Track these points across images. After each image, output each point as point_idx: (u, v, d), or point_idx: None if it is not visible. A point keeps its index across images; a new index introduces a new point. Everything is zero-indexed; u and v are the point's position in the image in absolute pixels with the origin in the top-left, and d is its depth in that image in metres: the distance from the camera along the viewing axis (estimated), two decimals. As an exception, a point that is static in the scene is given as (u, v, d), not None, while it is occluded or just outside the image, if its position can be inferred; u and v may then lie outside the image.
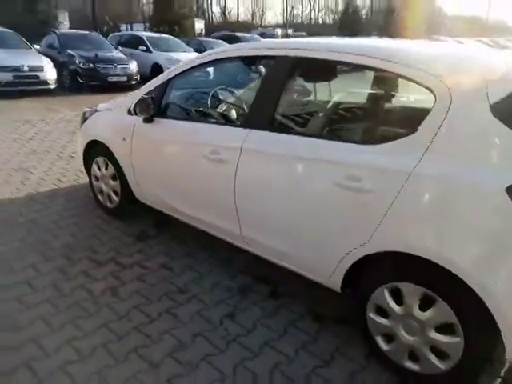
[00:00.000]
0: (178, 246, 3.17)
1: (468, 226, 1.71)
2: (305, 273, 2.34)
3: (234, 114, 2.68)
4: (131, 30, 25.90)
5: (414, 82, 1.89)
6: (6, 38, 10.73)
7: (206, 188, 2.69)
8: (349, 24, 34.40)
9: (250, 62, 2.50)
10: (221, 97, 2.86)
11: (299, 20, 66.26)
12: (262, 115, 2.37)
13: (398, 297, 1.94)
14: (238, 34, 20.14)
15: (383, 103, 2.02)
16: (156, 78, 3.05)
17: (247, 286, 2.71)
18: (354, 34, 23.91)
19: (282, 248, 2.36)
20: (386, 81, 2.00)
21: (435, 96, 1.81)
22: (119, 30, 23.78)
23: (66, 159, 5.20)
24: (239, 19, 63.61)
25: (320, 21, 67.32)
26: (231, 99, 2.75)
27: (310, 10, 68.90)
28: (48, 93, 9.88)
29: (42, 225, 3.45)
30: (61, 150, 5.63)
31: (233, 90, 2.81)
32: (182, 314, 2.43)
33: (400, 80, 1.91)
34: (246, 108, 2.52)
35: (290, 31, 41.88)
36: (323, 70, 2.32)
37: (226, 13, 63.92)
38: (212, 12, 63.22)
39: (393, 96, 2.00)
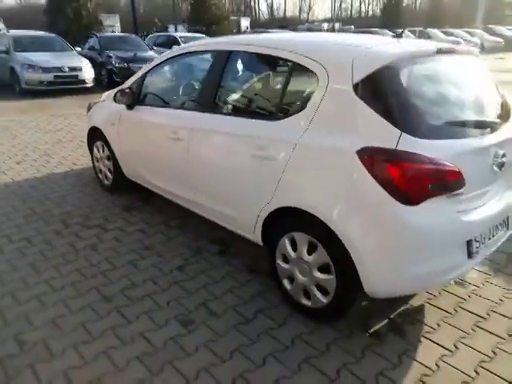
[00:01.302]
0: (156, 216, 3.75)
1: (332, 182, 2.14)
2: (238, 231, 2.82)
3: (190, 99, 3.19)
4: (176, 30, 27.15)
5: (305, 67, 2.32)
6: (50, 42, 11.93)
7: (170, 163, 3.24)
8: (391, 16, 33.73)
9: (205, 55, 3.02)
10: (183, 86, 3.39)
11: (348, 14, 65.56)
12: (206, 100, 2.89)
13: (294, 245, 2.38)
14: (276, 30, 20.57)
15: (286, 86, 2.44)
16: (137, 72, 3.65)
17: (203, 247, 3.23)
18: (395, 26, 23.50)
19: (221, 210, 2.86)
20: (289, 68, 2.43)
21: (318, 79, 2.24)
22: (167, 31, 24.99)
23: (85, 147, 5.93)
24: (286, 15, 63.98)
25: (370, 13, 66.29)
26: (190, 88, 3.26)
27: (360, 3, 67.82)
28: (86, 91, 10.93)
29: (51, 198, 4.16)
30: (83, 139, 6.38)
31: (193, 79, 3.32)
32: (142, 264, 2.99)
33: (299, 66, 2.35)
34: (197, 95, 3.04)
35: (337, 25, 41.78)
36: (249, 60, 2.79)
37: (274, 9, 64.47)
38: (259, 9, 63.97)
39: (293, 80, 2.43)
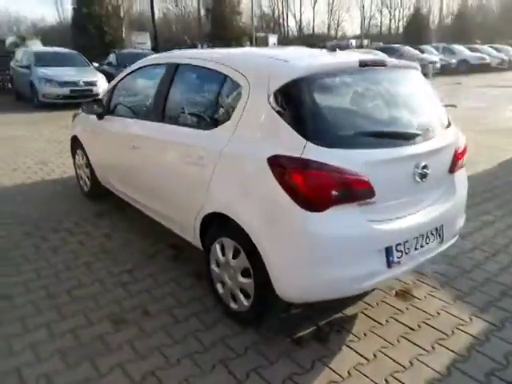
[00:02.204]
0: (123, 222, 3.91)
1: (248, 189, 2.22)
2: (184, 236, 2.92)
3: (146, 110, 3.35)
4: (202, 47, 27.96)
5: (233, 79, 2.44)
6: (70, 57, 12.53)
7: (131, 170, 3.40)
8: (415, 32, 33.57)
9: (160, 68, 3.18)
10: (141, 97, 3.55)
11: (378, 30, 65.52)
12: (156, 110, 3.04)
13: (224, 250, 2.46)
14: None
15: (218, 97, 2.56)
16: (109, 84, 3.85)
17: (159, 251, 3.35)
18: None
19: (168, 214, 2.98)
20: (221, 80, 2.55)
21: (242, 90, 2.35)
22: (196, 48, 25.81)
23: (81, 157, 6.23)
24: (315, 32, 64.59)
25: (400, 30, 66.11)
26: (146, 99, 3.40)
27: (390, 20, 67.68)
28: (100, 104, 11.37)
29: (33, 202, 4.40)
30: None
31: (150, 91, 3.48)
32: (95, 267, 3.14)
33: (228, 78, 2.47)
34: (151, 105, 3.20)
35: (365, 42, 41.94)
36: (191, 73, 2.92)
37: (302, 26, 65.15)
38: (288, 26, 64.76)
39: (223, 91, 2.54)
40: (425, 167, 2.28)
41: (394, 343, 2.35)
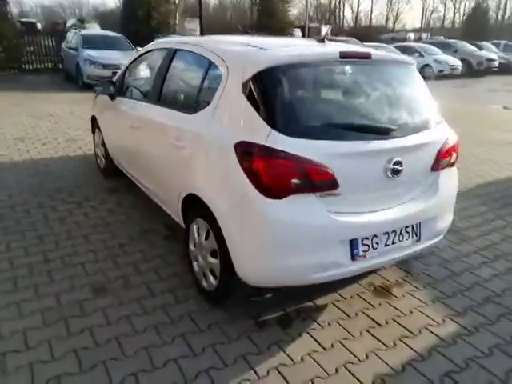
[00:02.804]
0: (129, 199, 4.11)
1: (217, 173, 2.31)
2: (173, 216, 3.06)
3: (148, 92, 3.48)
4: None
5: (216, 65, 2.51)
6: (115, 41, 13.01)
7: (133, 150, 3.57)
8: (474, 27, 31.85)
9: (161, 53, 3.32)
10: (145, 79, 3.69)
11: (441, 24, 62.70)
12: (155, 92, 3.18)
13: (199, 231, 2.57)
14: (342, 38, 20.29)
15: (203, 82, 2.65)
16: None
17: (154, 229, 3.51)
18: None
19: (159, 193, 3.13)
20: (207, 65, 2.63)
21: (222, 76, 2.43)
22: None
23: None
24: (372, 24, 62.76)
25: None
26: (149, 81, 3.53)
27: (454, 14, 64.50)
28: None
29: (52, 175, 4.70)
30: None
31: (152, 74, 3.60)
32: (93, 238, 3.34)
33: (213, 65, 2.55)
34: (151, 87, 3.34)
35: (424, 35, 40.43)
36: (185, 58, 3.00)
37: (359, 18, 63.43)
38: (344, 17, 63.30)
39: (208, 77, 2.61)
40: (398, 163, 2.26)
41: (356, 336, 2.38)
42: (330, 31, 40.69)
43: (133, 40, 13.84)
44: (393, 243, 2.40)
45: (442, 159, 2.53)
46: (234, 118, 2.28)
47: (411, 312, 2.59)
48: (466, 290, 2.84)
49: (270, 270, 2.17)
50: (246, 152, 2.11)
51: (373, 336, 2.38)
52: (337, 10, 62.10)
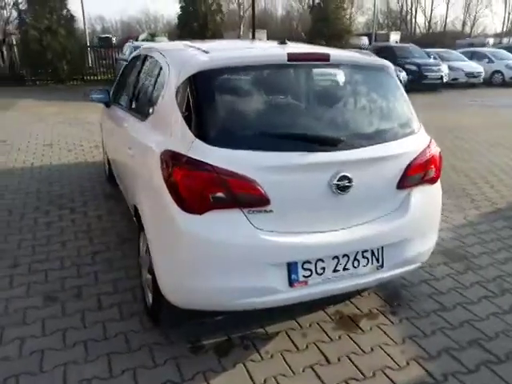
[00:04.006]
0: (122, 207, 4.03)
1: (147, 183, 2.18)
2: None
3: (124, 99, 3.44)
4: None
5: (164, 70, 2.39)
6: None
7: (113, 155, 3.58)
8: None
9: (137, 59, 3.27)
10: (125, 87, 3.64)
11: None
12: (127, 100, 3.14)
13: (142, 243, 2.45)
14: (400, 45, 19.44)
15: (154, 87, 2.53)
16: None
17: (133, 240, 3.43)
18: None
19: (128, 191, 3.04)
20: (159, 71, 2.52)
21: (165, 81, 2.30)
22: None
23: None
24: (446, 29, 59.78)
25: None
26: (127, 89, 3.49)
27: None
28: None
29: (62, 180, 4.86)
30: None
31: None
32: (69, 245, 3.35)
33: (162, 70, 2.43)
34: (127, 94, 3.30)
35: (505, 40, 37.93)
36: (149, 63, 2.89)
37: (432, 23, 60.69)
38: (416, 22, 60.91)
39: (158, 82, 2.49)
40: (344, 178, 1.99)
41: (296, 372, 2.11)
42: (398, 38, 39.35)
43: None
44: (345, 269, 2.11)
45: (412, 175, 2.21)
46: (166, 125, 2.15)
47: (372, 350, 2.27)
48: (451, 328, 2.45)
49: (190, 291, 1.99)
50: (167, 162, 1.97)
51: (316, 375, 2.10)
52: (408, 16, 59.93)
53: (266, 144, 1.93)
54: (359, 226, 2.13)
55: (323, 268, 2.07)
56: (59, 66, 15.30)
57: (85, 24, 24.98)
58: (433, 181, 2.34)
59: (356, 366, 2.15)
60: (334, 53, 2.23)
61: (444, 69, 15.44)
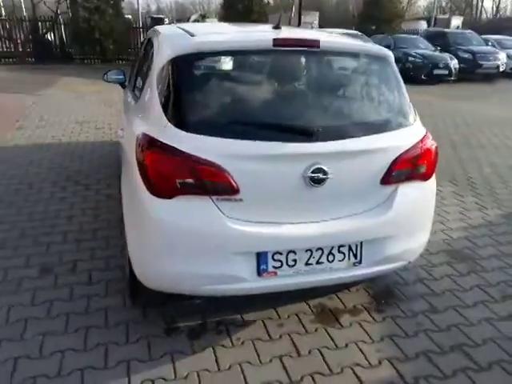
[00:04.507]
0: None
1: (126, 164, 2.20)
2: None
3: (131, 81, 3.46)
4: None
5: (155, 51, 2.39)
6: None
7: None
8: None
9: (145, 42, 3.27)
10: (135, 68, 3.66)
11: None
12: (132, 81, 3.17)
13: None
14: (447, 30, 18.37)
15: (147, 70, 2.53)
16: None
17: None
18: None
19: None
20: (153, 51, 2.51)
21: (153, 63, 2.30)
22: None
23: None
24: (516, 14, 55.69)
25: None
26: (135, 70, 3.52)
27: None
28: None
29: (84, 157, 5.05)
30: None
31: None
32: (75, 220, 3.48)
33: (155, 49, 2.42)
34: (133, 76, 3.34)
35: None
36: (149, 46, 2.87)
37: (501, 7, 56.66)
38: (482, 6, 57.19)
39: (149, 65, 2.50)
40: (319, 171, 1.93)
41: (264, 362, 2.11)
42: (460, 23, 37.19)
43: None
44: (318, 263, 2.07)
45: (398, 170, 2.11)
46: (147, 108, 2.16)
47: (346, 346, 2.22)
48: (436, 331, 2.35)
49: (159, 274, 2.02)
50: (141, 146, 1.98)
51: (282, 366, 2.09)
52: (474, 0, 56.31)
53: (238, 132, 1.90)
54: (336, 220, 2.06)
55: (295, 260, 2.03)
56: (106, 45, 15.75)
57: (138, 4, 25.52)
58: (424, 177, 2.23)
59: (325, 361, 2.12)
60: (326, 39, 2.14)
61: (502, 57, 14.51)
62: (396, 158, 2.08)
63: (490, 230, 3.59)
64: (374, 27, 19.31)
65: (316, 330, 2.33)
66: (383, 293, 2.68)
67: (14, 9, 15.91)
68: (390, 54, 2.27)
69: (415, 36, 16.31)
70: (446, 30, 17.89)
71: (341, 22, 29.20)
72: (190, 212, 1.90)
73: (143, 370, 2.03)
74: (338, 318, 2.44)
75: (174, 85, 1.98)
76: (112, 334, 2.24)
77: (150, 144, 1.92)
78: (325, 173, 1.93)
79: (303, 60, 2.17)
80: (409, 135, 2.17)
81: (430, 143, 2.22)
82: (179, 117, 1.92)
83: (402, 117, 2.21)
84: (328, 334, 2.31)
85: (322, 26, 24.42)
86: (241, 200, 1.91)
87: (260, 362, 2.11)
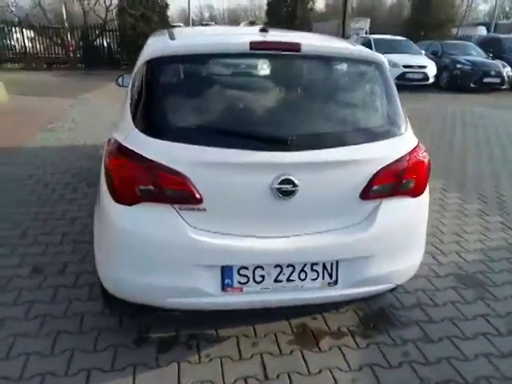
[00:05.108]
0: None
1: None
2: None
3: None
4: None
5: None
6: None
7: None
8: None
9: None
10: None
11: None
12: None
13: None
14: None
15: None
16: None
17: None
18: None
19: None
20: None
21: None
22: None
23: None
24: None
25: None
26: None
27: None
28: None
29: (92, 157, 5.13)
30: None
31: None
32: (78, 223, 3.54)
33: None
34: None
35: None
36: None
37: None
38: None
39: None
40: (287, 182, 1.81)
41: (228, 382, 2.01)
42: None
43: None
44: (289, 280, 1.95)
45: (379, 184, 1.95)
46: (121, 112, 2.14)
47: (319, 372, 2.08)
48: (423, 364, 2.15)
49: (120, 283, 1.97)
50: (107, 151, 1.97)
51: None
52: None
53: (204, 139, 1.82)
54: (309, 236, 1.94)
55: (262, 276, 1.93)
56: (150, 51, 16.20)
57: (189, 11, 26.33)
58: (413, 193, 2.05)
59: (292, 387, 1.99)
60: (308, 42, 2.03)
61: None
62: (378, 172, 1.93)
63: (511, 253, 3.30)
64: (422, 33, 18.69)
65: (291, 353, 2.20)
66: (375, 316, 2.50)
67: (66, 17, 16.71)
68: (380, 59, 2.12)
69: (466, 42, 15.61)
70: (500, 35, 16.99)
71: (391, 28, 28.56)
72: (152, 220, 1.84)
73: (102, 380, 1.99)
74: (318, 340, 2.29)
75: (143, 88, 1.95)
76: (82, 341, 2.22)
77: (114, 149, 1.90)
78: (294, 184, 1.82)
79: (282, 64, 2.07)
80: (396, 147, 2.00)
81: (421, 156, 2.05)
82: (145, 121, 1.88)
83: (390, 126, 2.05)
84: (303, 357, 2.17)
85: (372, 32, 24.00)
86: (204, 210, 1.84)
87: (223, 382, 2.01)
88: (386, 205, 2.00)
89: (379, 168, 1.93)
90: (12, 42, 16.87)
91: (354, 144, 1.92)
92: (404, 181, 1.99)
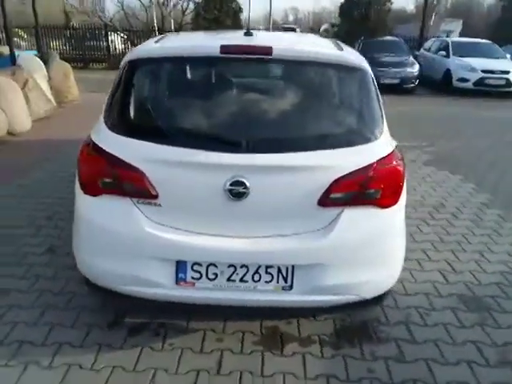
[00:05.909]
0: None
1: None
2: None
3: None
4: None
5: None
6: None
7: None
8: None
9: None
10: None
11: None
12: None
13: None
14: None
15: None
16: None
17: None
18: None
19: None
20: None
21: None
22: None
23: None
24: None
25: None
26: None
27: None
28: None
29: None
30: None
31: None
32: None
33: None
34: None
35: None
36: None
37: None
38: None
39: None
40: (239, 184, 1.84)
41: (180, 373, 2.07)
42: None
43: (345, 40, 14.02)
44: (242, 280, 1.97)
45: (338, 192, 1.90)
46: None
47: (272, 375, 2.07)
48: (385, 383, 2.05)
49: (86, 266, 2.13)
50: (82, 145, 2.13)
51: (195, 380, 2.03)
52: None
53: (162, 137, 1.92)
54: (264, 239, 1.94)
55: (215, 274, 1.97)
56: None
57: (270, 15, 26.89)
58: (381, 204, 1.97)
59: (242, 387, 2.00)
60: (281, 47, 2.03)
61: None
62: (337, 179, 1.88)
63: (535, 278, 2.99)
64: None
65: (251, 353, 2.21)
66: (354, 328, 2.42)
67: (147, 20, 17.80)
68: (355, 64, 2.06)
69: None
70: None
71: (486, 30, 26.70)
72: (112, 211, 1.97)
73: (70, 354, 2.16)
74: (285, 345, 2.27)
75: (115, 88, 2.10)
76: (64, 317, 2.41)
77: (84, 143, 2.07)
78: (246, 187, 1.84)
79: (254, 68, 2.09)
80: (362, 154, 1.93)
81: (393, 165, 1.96)
82: (111, 119, 2.04)
83: (359, 133, 1.98)
84: (262, 359, 2.17)
85: (464, 35, 22.67)
86: (160, 205, 1.92)
87: (176, 371, 2.08)
88: (347, 213, 1.93)
89: (339, 176, 1.88)
90: (101, 44, 18.19)
91: (312, 150, 1.89)
92: (369, 190, 1.92)
